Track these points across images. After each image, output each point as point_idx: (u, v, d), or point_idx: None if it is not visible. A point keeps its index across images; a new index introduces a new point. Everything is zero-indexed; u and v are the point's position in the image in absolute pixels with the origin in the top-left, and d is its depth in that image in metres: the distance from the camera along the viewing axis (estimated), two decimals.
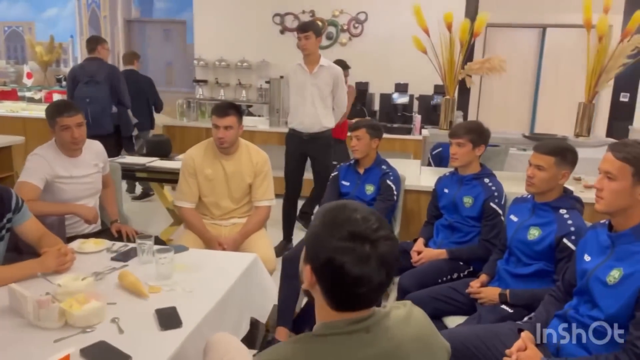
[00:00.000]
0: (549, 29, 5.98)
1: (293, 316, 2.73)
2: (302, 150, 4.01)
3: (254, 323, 2.29)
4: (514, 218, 2.23)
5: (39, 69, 6.63)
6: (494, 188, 2.55)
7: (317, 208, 3.27)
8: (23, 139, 4.38)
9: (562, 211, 2.05)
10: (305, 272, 1.02)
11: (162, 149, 4.10)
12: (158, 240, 2.48)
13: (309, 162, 4.08)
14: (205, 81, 6.38)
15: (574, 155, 2.08)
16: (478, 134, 2.59)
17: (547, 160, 2.03)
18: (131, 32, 6.93)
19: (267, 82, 6.03)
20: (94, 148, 2.77)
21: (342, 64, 4.63)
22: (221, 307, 1.82)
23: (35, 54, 6.62)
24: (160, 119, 6.64)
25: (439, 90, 5.57)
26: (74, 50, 7.07)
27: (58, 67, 7.01)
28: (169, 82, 7.02)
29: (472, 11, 5.40)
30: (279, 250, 3.80)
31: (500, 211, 2.51)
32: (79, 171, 2.64)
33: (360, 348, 0.98)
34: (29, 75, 6.60)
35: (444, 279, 2.49)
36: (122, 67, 5.29)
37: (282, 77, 5.85)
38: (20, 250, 2.32)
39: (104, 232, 2.74)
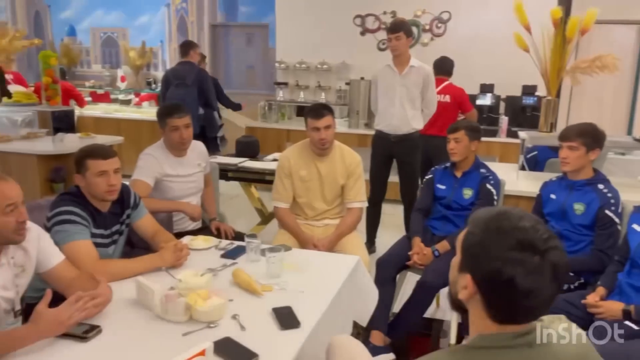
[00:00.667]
0: None
1: (387, 320, 2.70)
2: (388, 152, 3.96)
3: None
4: (637, 228, 2.07)
5: (131, 73, 7.02)
6: (610, 195, 2.38)
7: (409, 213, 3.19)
8: (122, 139, 4.63)
9: None
10: (463, 281, 0.97)
11: (251, 149, 4.20)
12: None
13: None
14: (285, 84, 6.47)
15: None
16: (592, 137, 2.43)
17: None
18: (216, 36, 7.16)
19: (347, 83, 6.04)
20: (198, 148, 2.87)
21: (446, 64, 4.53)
22: (333, 309, 1.82)
23: (128, 58, 7.02)
24: (242, 120, 6.84)
25: (528, 90, 5.33)
26: (163, 55, 7.41)
27: (148, 71, 7.38)
28: (251, 85, 7.19)
29: (566, 7, 5.12)
30: None
31: (617, 220, 2.34)
32: (185, 170, 2.75)
33: None
34: (123, 79, 7.01)
35: None
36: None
37: (362, 78, 5.84)
38: (133, 244, 2.45)
39: (204, 230, 2.83)
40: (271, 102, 6.33)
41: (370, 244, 4.14)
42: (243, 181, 4.09)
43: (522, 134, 3.52)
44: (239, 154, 4.21)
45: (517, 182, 3.23)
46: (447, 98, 4.44)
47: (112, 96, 7.09)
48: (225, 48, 7.21)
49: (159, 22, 7.31)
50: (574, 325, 1.05)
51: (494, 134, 5.28)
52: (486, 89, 5.53)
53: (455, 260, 1.02)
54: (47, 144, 4.19)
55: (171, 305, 1.60)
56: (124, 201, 2.16)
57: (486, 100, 5.46)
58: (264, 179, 3.88)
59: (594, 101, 5.81)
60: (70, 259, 1.80)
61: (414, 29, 5.97)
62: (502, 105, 5.55)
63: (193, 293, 1.65)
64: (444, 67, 4.57)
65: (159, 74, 7.02)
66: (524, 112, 5.28)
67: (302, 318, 1.65)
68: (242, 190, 4.41)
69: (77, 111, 5.82)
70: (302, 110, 6.64)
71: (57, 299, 1.55)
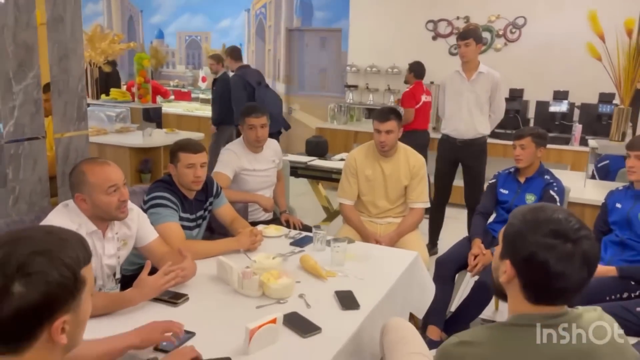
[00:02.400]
0: None
1: (445, 317, 2.81)
2: (454, 156, 4.04)
3: None
4: None
5: (211, 74, 7.48)
6: None
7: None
8: (203, 136, 5.01)
9: None
10: (503, 266, 1.12)
11: (320, 149, 4.42)
12: None
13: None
14: (355, 86, 6.65)
15: None
16: None
17: None
18: (291, 40, 7.48)
19: None
20: (272, 146, 3.12)
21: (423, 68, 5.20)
22: (389, 297, 1.98)
23: (214, 62, 7.48)
24: (313, 121, 7.10)
25: (605, 98, 5.17)
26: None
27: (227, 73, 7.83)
28: (322, 87, 7.43)
29: None
30: None
31: None
32: (260, 165, 3.00)
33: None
34: (204, 79, 7.49)
35: (613, 297, 2.37)
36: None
37: (432, 82, 5.90)
38: (213, 230, 2.73)
39: (275, 221, 3.07)
40: (341, 104, 6.53)
41: (432, 246, 4.23)
42: (311, 178, 4.31)
43: (592, 142, 3.48)
44: (308, 153, 4.44)
45: (584, 190, 3.21)
46: (430, 98, 5.29)
47: (193, 95, 7.59)
48: (299, 51, 7.51)
49: (239, 26, 7.74)
50: (607, 316, 1.15)
51: (566, 141, 5.17)
52: (560, 95, 5.42)
53: (497, 250, 1.16)
54: (138, 138, 4.64)
55: (247, 281, 1.83)
56: (207, 190, 2.44)
57: (560, 107, 5.35)
58: (330, 177, 4.08)
59: None
60: (162, 237, 2.09)
61: (487, 35, 5.95)
62: (577, 112, 5.42)
63: (266, 272, 1.87)
64: (422, 71, 5.33)
65: None
66: (599, 120, 5.13)
67: (361, 302, 1.82)
68: (310, 188, 4.64)
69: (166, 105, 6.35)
70: (371, 113, 6.81)
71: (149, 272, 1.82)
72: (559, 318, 1.07)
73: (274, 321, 1.52)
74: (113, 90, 5.39)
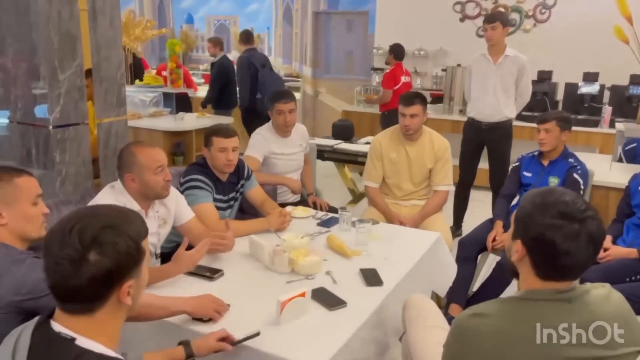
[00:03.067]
0: None
1: (466, 296, 2.89)
2: (480, 139, 4.07)
3: None
4: None
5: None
6: None
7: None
8: (232, 119, 5.14)
9: None
10: (515, 246, 1.20)
11: (346, 132, 4.50)
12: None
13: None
14: (381, 69, 6.66)
15: None
16: None
17: None
18: (318, 23, 7.51)
19: (444, 70, 6.10)
20: (300, 130, 3.22)
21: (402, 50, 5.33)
22: (412, 275, 2.08)
23: (237, 44, 7.58)
24: (339, 104, 7.15)
25: (636, 80, 5.07)
26: (269, 41, 7.92)
27: None
28: (349, 70, 7.47)
29: None
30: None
31: None
32: (289, 149, 3.11)
33: (562, 314, 1.13)
34: (232, 63, 7.59)
35: (633, 278, 2.42)
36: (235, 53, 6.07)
37: (459, 65, 5.87)
38: (244, 210, 2.87)
39: (302, 202, 3.19)
40: (367, 87, 6.57)
41: (457, 227, 4.28)
42: (337, 161, 4.40)
43: (619, 125, 3.47)
44: (335, 136, 4.53)
45: (609, 173, 3.22)
46: (409, 79, 5.51)
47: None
48: (326, 34, 7.54)
49: (266, 10, 7.81)
50: (616, 292, 1.23)
51: (595, 124, 5.11)
52: (590, 77, 5.33)
53: (510, 231, 1.25)
54: (171, 122, 4.81)
55: (277, 258, 1.96)
56: (239, 173, 2.57)
57: (590, 88, 5.28)
58: (356, 160, 4.17)
59: None
60: (198, 217, 2.23)
61: (516, 15, 5.88)
62: (607, 94, 5.34)
63: (295, 250, 1.99)
64: (401, 53, 5.48)
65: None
66: (630, 102, 5.04)
67: (384, 279, 1.92)
68: (336, 171, 4.73)
69: (191, 93, 6.50)
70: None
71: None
72: (568, 293, 1.16)
73: (303, 294, 1.64)
74: (146, 76, 5.56)
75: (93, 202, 1.94)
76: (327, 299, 1.75)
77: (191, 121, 4.75)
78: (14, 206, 1.49)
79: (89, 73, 2.59)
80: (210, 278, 1.89)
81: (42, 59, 2.38)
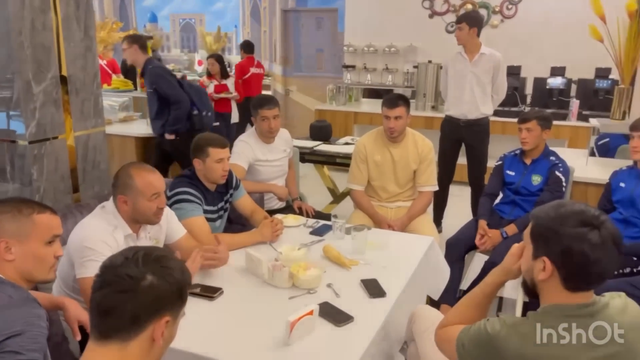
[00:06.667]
0: None
1: (456, 296, 2.92)
2: (458, 136, 4.11)
3: None
4: None
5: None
6: None
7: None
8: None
9: None
10: (540, 265, 1.19)
11: (324, 133, 4.47)
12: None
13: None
14: (353, 66, 6.66)
15: None
16: None
17: None
18: (287, 21, 7.43)
19: (415, 67, 6.14)
20: (283, 136, 3.17)
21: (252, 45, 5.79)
22: (411, 283, 2.07)
23: (204, 43, 7.45)
24: (312, 103, 7.12)
25: (601, 73, 5.24)
26: (237, 39, 7.80)
27: (224, 55, 7.80)
28: (319, 68, 7.44)
29: None
30: None
31: None
32: (273, 155, 3.06)
33: (587, 330, 1.14)
34: (200, 63, 7.46)
35: (616, 272, 2.49)
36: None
37: (429, 61, 5.93)
38: (231, 220, 2.80)
39: (288, 208, 3.15)
40: (339, 84, 6.55)
41: (437, 224, 4.33)
42: (317, 163, 4.37)
43: (594, 121, 3.57)
44: (313, 137, 4.49)
45: (586, 168, 3.31)
46: (260, 70, 6.21)
47: (190, 78, 7.55)
48: (295, 32, 7.48)
49: (233, 8, 7.69)
50: (631, 301, 1.25)
51: (563, 117, 5.25)
52: (557, 71, 5.48)
53: (527, 253, 1.25)
54: (143, 127, 4.65)
55: (277, 273, 1.92)
56: (228, 182, 2.50)
57: (557, 83, 5.42)
58: (335, 162, 4.15)
59: None
60: (189, 232, 2.16)
61: (484, 11, 5.97)
62: (574, 88, 5.49)
63: (295, 264, 1.95)
64: (250, 48, 6.22)
65: (234, 57, 7.41)
66: (596, 95, 5.21)
67: (386, 289, 1.91)
68: (313, 171, 4.70)
69: None
70: (369, 93, 6.84)
71: None
72: (591, 307, 1.17)
73: (311, 313, 1.60)
74: (115, 80, 5.37)
75: (84, 224, 1.85)
76: (334, 315, 1.72)
77: None
78: (26, 243, 1.40)
79: (64, 84, 2.47)
80: (211, 297, 1.84)
81: (15, 71, 2.25)
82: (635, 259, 2.51)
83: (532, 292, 1.28)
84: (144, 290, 1.00)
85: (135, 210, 1.85)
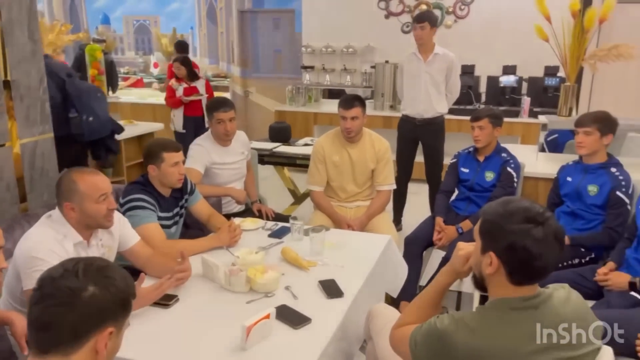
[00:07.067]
0: None
1: (415, 293, 2.97)
2: (414, 135, 4.18)
3: None
4: None
5: (164, 59, 7.32)
6: (621, 177, 2.58)
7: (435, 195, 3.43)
8: (162, 126, 4.93)
9: None
10: (487, 259, 1.23)
11: (283, 134, 4.46)
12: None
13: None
14: (311, 67, 6.67)
15: None
16: (606, 123, 2.62)
17: None
18: (244, 22, 7.38)
19: (373, 67, 6.21)
20: (241, 138, 3.15)
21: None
22: (369, 282, 2.10)
23: (160, 45, 7.31)
24: (271, 104, 7.08)
25: (550, 71, 5.44)
26: (194, 41, 7.68)
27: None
28: (278, 69, 7.42)
29: None
30: None
31: (627, 200, 2.55)
32: (230, 158, 3.03)
33: (532, 322, 1.18)
34: (155, 65, 7.31)
35: (565, 264, 2.59)
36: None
37: (387, 61, 6.00)
38: (188, 225, 2.76)
39: (247, 212, 3.13)
40: (298, 85, 6.55)
41: (397, 223, 4.39)
42: (277, 165, 4.36)
43: (542, 117, 3.70)
44: (272, 138, 4.47)
45: (537, 164, 3.42)
46: (197, 69, 5.78)
47: (146, 80, 7.41)
48: (253, 33, 7.43)
49: (189, 9, 7.57)
50: (574, 291, 1.30)
51: (516, 114, 5.42)
52: (509, 70, 5.65)
53: (476, 247, 1.28)
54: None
55: (234, 278, 1.90)
56: (183, 187, 2.46)
57: (509, 81, 5.59)
58: (295, 163, 4.15)
59: (617, 83, 5.86)
60: (144, 239, 2.11)
61: (438, 12, 6.09)
62: (525, 86, 5.68)
63: (252, 268, 1.94)
64: (184, 47, 6.09)
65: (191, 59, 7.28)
66: (546, 92, 5.41)
67: (344, 289, 1.93)
68: (272, 173, 4.68)
69: (114, 97, 6.18)
70: (329, 94, 6.87)
71: (134, 273, 1.85)
72: (535, 299, 1.21)
73: (267, 317, 1.60)
74: None
75: (30, 234, 1.78)
76: (291, 317, 1.72)
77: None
78: None
79: (8, 89, 2.37)
80: (166, 305, 1.81)
81: None
82: (583, 250, 2.62)
83: (481, 286, 1.32)
84: (84, 302, 0.98)
85: (84, 215, 1.80)
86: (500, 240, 1.20)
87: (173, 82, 5.27)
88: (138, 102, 6.77)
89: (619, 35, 5.20)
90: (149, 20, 7.84)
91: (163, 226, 2.31)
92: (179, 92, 5.21)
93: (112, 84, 6.67)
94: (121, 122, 4.79)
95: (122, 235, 2.03)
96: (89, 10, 8.17)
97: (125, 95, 6.97)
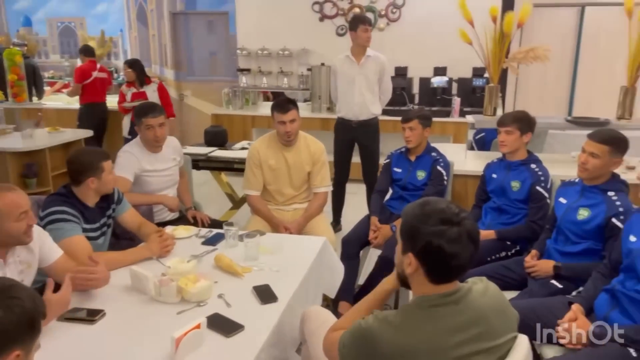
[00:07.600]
0: (588, 8, 5.96)
1: (353, 292, 3.01)
2: (351, 137, 4.25)
3: None
4: (562, 200, 2.42)
5: None
6: (540, 173, 2.73)
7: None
8: (92, 133, 4.72)
9: (611, 193, 2.22)
10: (407, 259, 1.27)
11: (219, 139, 4.39)
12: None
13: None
14: (248, 70, 6.62)
15: (626, 144, 2.23)
16: (525, 123, 2.77)
17: (602, 148, 2.19)
18: (176, 24, 7.20)
19: (309, 69, 6.24)
20: (172, 144, 3.07)
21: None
22: (304, 285, 2.10)
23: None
24: (207, 107, 6.96)
25: (477, 72, 5.68)
26: (124, 44, 7.41)
27: (109, 60, 7.39)
28: (213, 72, 7.30)
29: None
30: None
31: (546, 194, 2.69)
32: (161, 165, 2.95)
33: (452, 316, 1.23)
34: None
35: (493, 257, 2.70)
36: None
37: (322, 64, 6.05)
38: (118, 235, 2.66)
39: (181, 219, 3.05)
40: (235, 88, 6.48)
41: (336, 223, 4.44)
42: (213, 170, 4.28)
43: (469, 117, 3.86)
44: (207, 143, 4.39)
45: (465, 162, 3.56)
46: (104, 74, 5.90)
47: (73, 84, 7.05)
48: (186, 36, 7.26)
49: (117, 11, 7.29)
50: (491, 284, 1.36)
51: (447, 114, 5.62)
52: (439, 71, 5.86)
53: (398, 247, 1.32)
54: (17, 141, 4.27)
55: (165, 288, 1.84)
56: (108, 196, 2.37)
57: (440, 82, 5.79)
58: (232, 167, 4.10)
59: (538, 82, 6.21)
60: (68, 254, 2.01)
61: (371, 15, 6.21)
62: (455, 86, 5.90)
63: (183, 277, 1.89)
64: (90, 51, 5.92)
65: (120, 62, 7.03)
66: (474, 93, 5.64)
67: (279, 293, 1.92)
68: (210, 178, 4.60)
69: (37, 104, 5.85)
70: (268, 96, 6.84)
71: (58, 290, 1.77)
72: (455, 295, 1.26)
73: (198, 327, 1.56)
74: None
75: None
76: (223, 326, 1.69)
77: (43, 138, 4.25)
78: None
79: None
80: (91, 321, 1.72)
81: None
82: (508, 243, 2.75)
83: (405, 284, 1.35)
84: None
85: (2, 235, 1.69)
86: (417, 241, 1.24)
87: (124, 87, 5.08)
88: (66, 107, 6.43)
89: (540, 38, 5.54)
90: (74, 22, 7.47)
91: (89, 238, 2.20)
92: (128, 97, 5.02)
93: (38, 90, 6.33)
94: (46, 130, 4.57)
95: (42, 250, 1.92)
96: (9, 13, 7.70)
97: (53, 100, 6.62)
